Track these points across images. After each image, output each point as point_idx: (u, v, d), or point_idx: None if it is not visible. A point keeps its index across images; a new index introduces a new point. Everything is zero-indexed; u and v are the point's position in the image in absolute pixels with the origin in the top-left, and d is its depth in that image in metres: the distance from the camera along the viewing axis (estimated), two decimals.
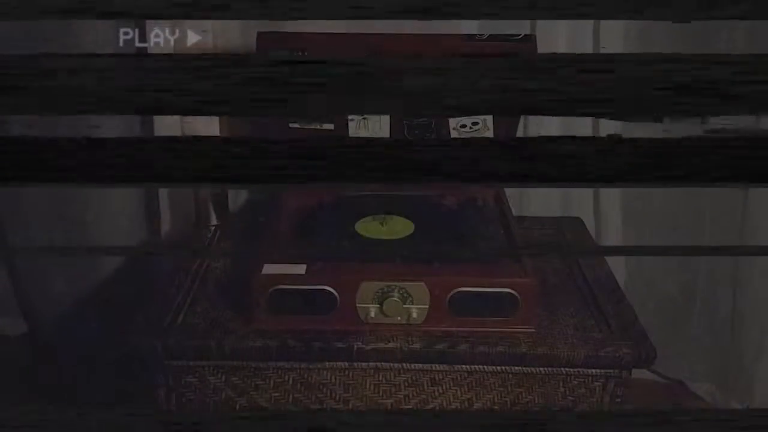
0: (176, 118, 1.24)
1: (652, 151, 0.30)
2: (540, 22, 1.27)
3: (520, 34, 1.13)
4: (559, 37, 1.31)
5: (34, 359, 1.37)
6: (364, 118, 1.14)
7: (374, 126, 1.16)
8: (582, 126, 1.25)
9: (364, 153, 0.31)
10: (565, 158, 0.31)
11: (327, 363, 0.98)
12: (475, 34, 1.13)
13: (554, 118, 1.26)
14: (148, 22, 1.14)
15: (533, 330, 0.99)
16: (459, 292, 0.97)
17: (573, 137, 0.32)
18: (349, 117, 1.14)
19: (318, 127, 1.16)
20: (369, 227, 1.10)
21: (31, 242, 1.29)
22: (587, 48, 1.33)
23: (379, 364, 0.98)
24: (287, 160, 0.30)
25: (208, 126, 1.26)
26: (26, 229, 1.32)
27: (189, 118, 1.24)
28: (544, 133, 0.36)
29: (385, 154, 0.31)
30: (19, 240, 1.29)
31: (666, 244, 1.42)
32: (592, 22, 1.28)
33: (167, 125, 1.24)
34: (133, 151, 0.29)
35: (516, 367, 0.98)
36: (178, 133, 1.25)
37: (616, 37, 1.31)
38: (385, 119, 1.14)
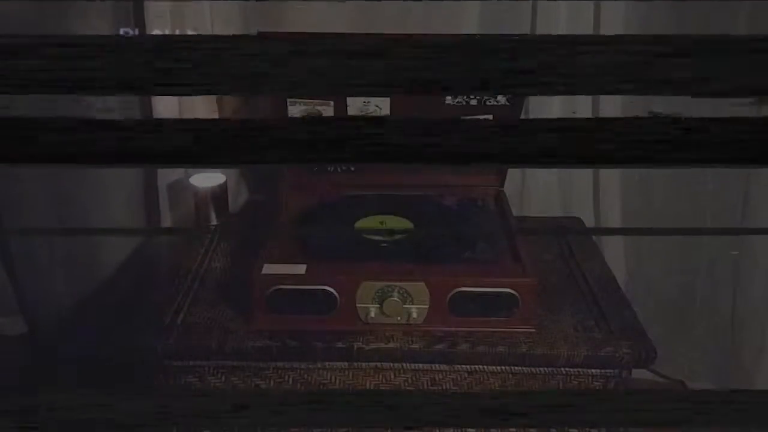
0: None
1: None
2: (539, 22, 1.27)
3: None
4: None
5: (34, 359, 1.37)
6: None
7: None
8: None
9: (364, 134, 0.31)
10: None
11: (327, 363, 0.98)
12: (476, 35, 1.13)
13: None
14: (148, 22, 1.14)
15: (533, 330, 0.99)
16: (459, 292, 0.97)
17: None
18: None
19: None
20: (369, 227, 1.10)
21: (31, 243, 1.29)
22: None
23: (379, 364, 0.98)
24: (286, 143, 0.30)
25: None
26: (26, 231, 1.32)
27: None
28: None
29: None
30: (19, 241, 1.28)
31: (666, 243, 1.42)
32: (592, 19, 1.28)
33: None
34: (130, 133, 0.29)
35: (516, 367, 0.98)
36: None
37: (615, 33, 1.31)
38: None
